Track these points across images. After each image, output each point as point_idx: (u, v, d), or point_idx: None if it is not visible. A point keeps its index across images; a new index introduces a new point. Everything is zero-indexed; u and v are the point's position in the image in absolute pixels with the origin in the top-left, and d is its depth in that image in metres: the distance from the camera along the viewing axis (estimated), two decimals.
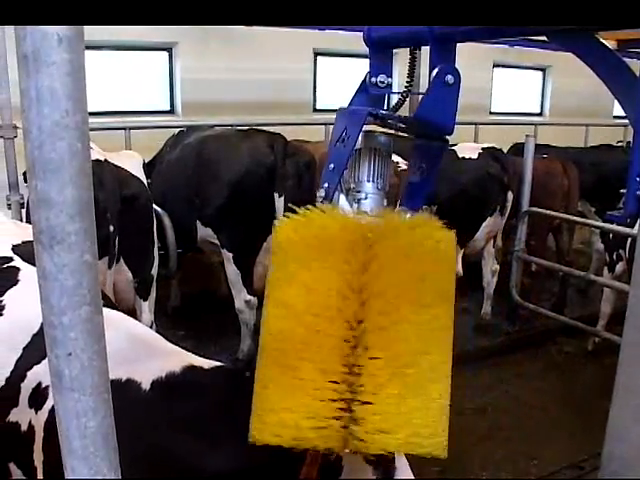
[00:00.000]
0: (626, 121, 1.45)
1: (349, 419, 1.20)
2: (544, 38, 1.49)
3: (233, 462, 1.50)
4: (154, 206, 4.28)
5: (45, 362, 1.02)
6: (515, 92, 10.57)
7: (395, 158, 4.97)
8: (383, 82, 1.62)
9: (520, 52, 9.30)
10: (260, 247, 4.53)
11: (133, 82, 7.22)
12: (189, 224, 4.70)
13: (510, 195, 5.63)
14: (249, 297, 4.63)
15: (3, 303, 2.04)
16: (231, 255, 4.60)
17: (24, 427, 1.78)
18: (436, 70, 1.40)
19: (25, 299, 1.99)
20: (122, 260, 3.84)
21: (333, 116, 1.54)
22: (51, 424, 1.66)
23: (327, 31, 7.21)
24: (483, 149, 5.68)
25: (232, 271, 4.64)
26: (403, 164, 4.91)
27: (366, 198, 1.43)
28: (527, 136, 5.68)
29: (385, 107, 1.68)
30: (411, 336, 1.23)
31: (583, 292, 6.72)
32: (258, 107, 7.31)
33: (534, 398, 4.70)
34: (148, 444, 1.56)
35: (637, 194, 1.46)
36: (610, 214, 1.75)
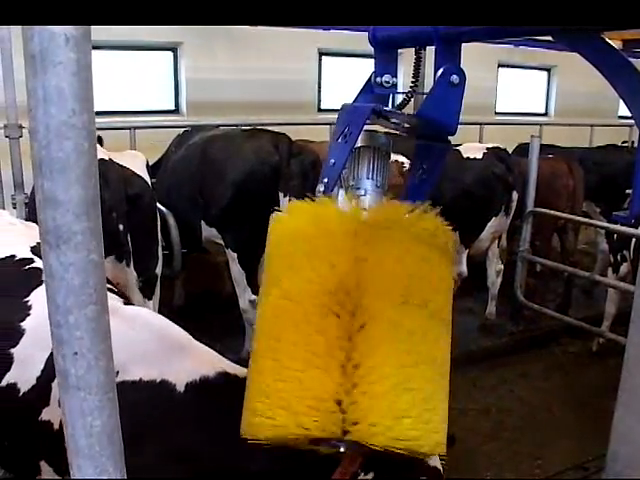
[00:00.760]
0: (632, 121, 1.45)
1: (346, 405, 1.19)
2: (549, 38, 1.48)
3: (267, 465, 1.53)
4: (158, 206, 4.29)
5: None
6: (520, 92, 10.53)
7: (401, 158, 4.97)
8: (388, 82, 1.62)
9: (525, 52, 9.27)
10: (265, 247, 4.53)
11: (138, 82, 7.22)
12: (194, 224, 4.71)
13: (515, 195, 5.61)
14: (254, 297, 4.61)
15: (30, 303, 2.01)
16: (236, 255, 4.60)
17: (56, 426, 1.78)
18: (441, 70, 1.40)
19: None
20: None
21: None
22: None
23: (332, 31, 7.21)
24: (488, 149, 5.65)
25: (237, 271, 4.64)
26: (408, 164, 4.91)
27: (365, 194, 1.44)
28: (532, 136, 5.66)
29: (390, 107, 1.68)
30: (408, 328, 1.22)
31: (588, 293, 6.70)
32: (263, 107, 7.30)
33: (538, 398, 4.69)
34: (178, 444, 1.59)
35: None
36: (616, 214, 1.74)
